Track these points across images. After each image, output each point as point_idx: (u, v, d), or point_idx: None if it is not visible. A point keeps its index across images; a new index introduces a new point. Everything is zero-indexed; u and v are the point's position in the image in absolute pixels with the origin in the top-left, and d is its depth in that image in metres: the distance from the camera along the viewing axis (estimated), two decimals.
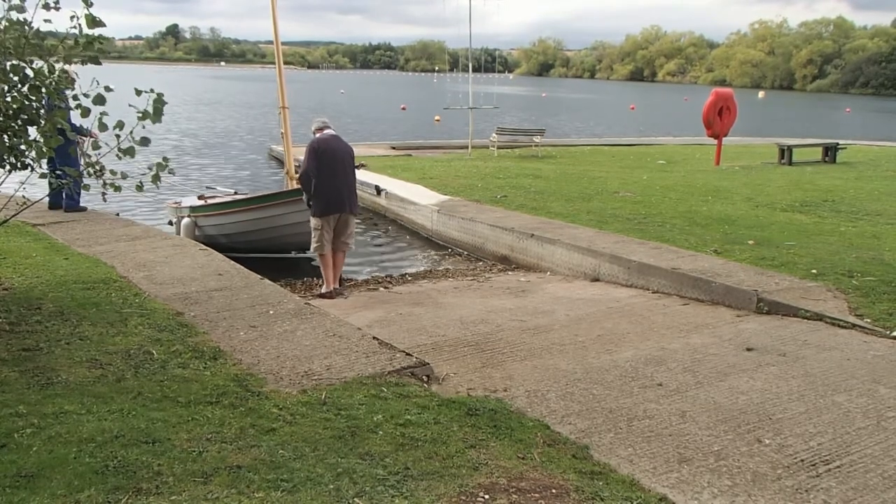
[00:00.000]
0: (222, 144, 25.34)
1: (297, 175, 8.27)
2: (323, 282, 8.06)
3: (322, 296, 7.61)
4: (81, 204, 10.08)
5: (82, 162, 5.53)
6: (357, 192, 8.06)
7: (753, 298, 6.55)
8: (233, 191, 12.61)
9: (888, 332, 5.71)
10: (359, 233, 12.46)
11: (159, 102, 5.00)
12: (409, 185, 13.69)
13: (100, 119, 4.93)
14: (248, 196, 10.39)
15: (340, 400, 4.11)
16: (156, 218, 12.47)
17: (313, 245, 7.90)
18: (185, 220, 10.27)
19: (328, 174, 7.64)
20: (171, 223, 11.22)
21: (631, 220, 10.09)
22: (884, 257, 7.93)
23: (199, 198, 11.36)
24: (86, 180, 5.55)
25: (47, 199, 9.67)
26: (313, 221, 7.82)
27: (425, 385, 4.58)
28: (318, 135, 7.83)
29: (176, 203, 11.35)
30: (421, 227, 11.93)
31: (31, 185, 5.57)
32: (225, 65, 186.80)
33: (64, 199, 9.94)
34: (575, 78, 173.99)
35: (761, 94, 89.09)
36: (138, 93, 4.87)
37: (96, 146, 5.23)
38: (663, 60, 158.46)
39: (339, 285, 7.87)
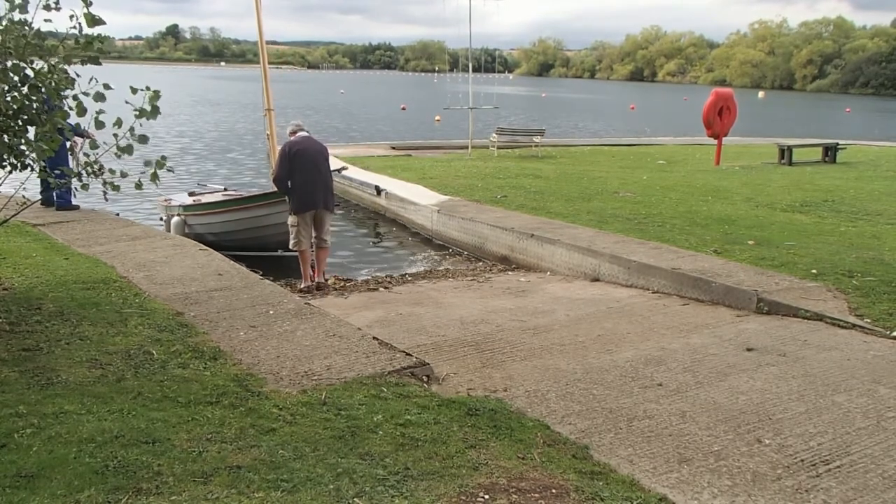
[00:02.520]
0: (225, 147, 25.31)
1: (272, 178, 8.68)
2: (302, 278, 8.28)
3: (301, 291, 7.84)
4: (74, 202, 10.09)
5: (73, 162, 5.51)
6: (334, 189, 8.40)
7: (753, 298, 6.55)
8: (222, 187, 13.16)
9: (888, 332, 5.71)
10: (359, 233, 12.52)
11: (155, 99, 5.00)
12: (409, 185, 13.68)
13: (96, 118, 4.92)
14: (235, 197, 10.66)
15: (340, 400, 4.11)
16: (155, 218, 12.50)
17: (292, 242, 8.23)
18: (175, 219, 10.66)
19: (302, 174, 8.00)
20: (162, 220, 11.44)
21: (631, 220, 10.09)
22: (884, 257, 7.93)
23: (190, 194, 11.87)
24: (85, 179, 5.56)
25: (39, 196, 9.68)
26: (290, 219, 8.19)
27: (425, 385, 4.58)
28: (291, 137, 8.19)
29: (167, 200, 11.58)
30: (421, 227, 11.93)
31: (32, 185, 5.57)
32: (225, 65, 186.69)
33: (55, 198, 9.94)
34: (575, 78, 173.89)
35: (761, 94, 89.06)
36: (134, 91, 4.87)
37: (94, 146, 5.22)
38: (663, 60, 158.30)
39: (324, 281, 8.04)
